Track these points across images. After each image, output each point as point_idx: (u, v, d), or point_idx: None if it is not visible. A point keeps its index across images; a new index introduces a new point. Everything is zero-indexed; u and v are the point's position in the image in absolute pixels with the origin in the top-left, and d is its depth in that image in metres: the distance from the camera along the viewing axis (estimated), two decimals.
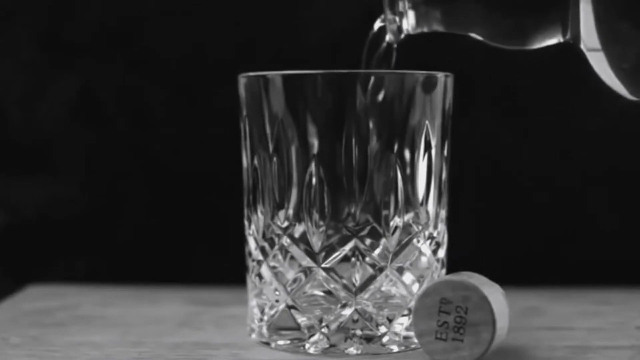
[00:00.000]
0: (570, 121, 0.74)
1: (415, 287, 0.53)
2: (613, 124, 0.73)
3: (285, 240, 0.53)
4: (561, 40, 0.52)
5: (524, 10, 0.52)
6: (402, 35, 0.54)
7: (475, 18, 0.53)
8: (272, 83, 0.53)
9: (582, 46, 0.51)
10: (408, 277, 0.53)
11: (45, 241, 0.76)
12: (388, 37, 0.55)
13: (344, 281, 0.52)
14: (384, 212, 0.52)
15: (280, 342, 0.54)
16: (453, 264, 0.56)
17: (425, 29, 0.54)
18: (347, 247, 0.52)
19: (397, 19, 0.54)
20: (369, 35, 0.55)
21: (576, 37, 0.51)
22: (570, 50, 0.61)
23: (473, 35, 0.53)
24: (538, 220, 0.74)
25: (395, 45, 0.55)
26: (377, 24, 0.55)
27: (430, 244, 0.54)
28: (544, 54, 0.71)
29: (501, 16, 0.52)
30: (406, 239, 0.53)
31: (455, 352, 0.49)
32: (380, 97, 0.52)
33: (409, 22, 0.54)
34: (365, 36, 0.55)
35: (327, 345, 0.52)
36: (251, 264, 0.55)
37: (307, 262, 0.53)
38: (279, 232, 0.53)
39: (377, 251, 0.52)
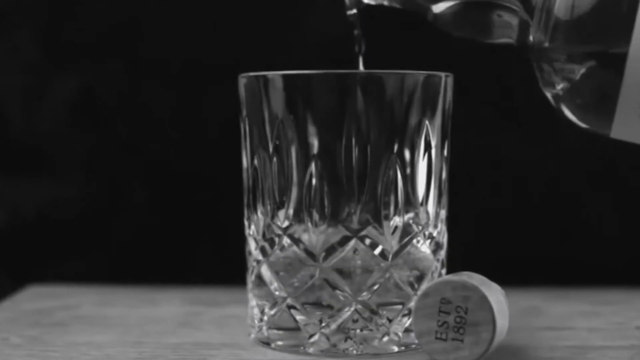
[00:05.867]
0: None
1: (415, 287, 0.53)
2: None
3: (285, 241, 0.53)
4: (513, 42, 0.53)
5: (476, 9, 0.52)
6: (361, 5, 0.55)
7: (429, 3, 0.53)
8: (272, 83, 0.53)
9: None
10: (408, 277, 0.53)
11: (45, 241, 0.76)
12: (347, 2, 0.55)
13: (344, 281, 0.52)
14: (384, 212, 0.52)
15: (280, 342, 0.54)
16: (453, 264, 0.56)
17: (385, 2, 0.54)
18: (347, 247, 0.52)
19: None
20: None
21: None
22: None
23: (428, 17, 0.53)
24: (538, 220, 0.74)
25: (353, 11, 0.55)
26: None
27: (430, 244, 0.54)
28: None
29: (453, 6, 0.52)
30: (406, 239, 0.53)
31: (455, 352, 0.49)
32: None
33: None
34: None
35: (327, 345, 0.52)
36: (251, 264, 0.55)
37: (307, 262, 0.53)
38: (279, 232, 0.53)
39: (377, 251, 0.52)
